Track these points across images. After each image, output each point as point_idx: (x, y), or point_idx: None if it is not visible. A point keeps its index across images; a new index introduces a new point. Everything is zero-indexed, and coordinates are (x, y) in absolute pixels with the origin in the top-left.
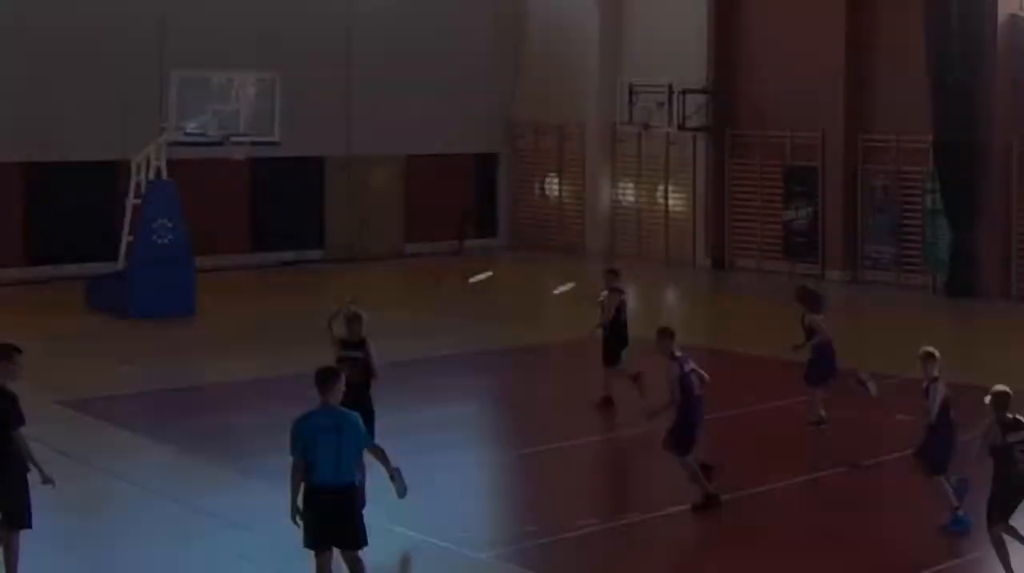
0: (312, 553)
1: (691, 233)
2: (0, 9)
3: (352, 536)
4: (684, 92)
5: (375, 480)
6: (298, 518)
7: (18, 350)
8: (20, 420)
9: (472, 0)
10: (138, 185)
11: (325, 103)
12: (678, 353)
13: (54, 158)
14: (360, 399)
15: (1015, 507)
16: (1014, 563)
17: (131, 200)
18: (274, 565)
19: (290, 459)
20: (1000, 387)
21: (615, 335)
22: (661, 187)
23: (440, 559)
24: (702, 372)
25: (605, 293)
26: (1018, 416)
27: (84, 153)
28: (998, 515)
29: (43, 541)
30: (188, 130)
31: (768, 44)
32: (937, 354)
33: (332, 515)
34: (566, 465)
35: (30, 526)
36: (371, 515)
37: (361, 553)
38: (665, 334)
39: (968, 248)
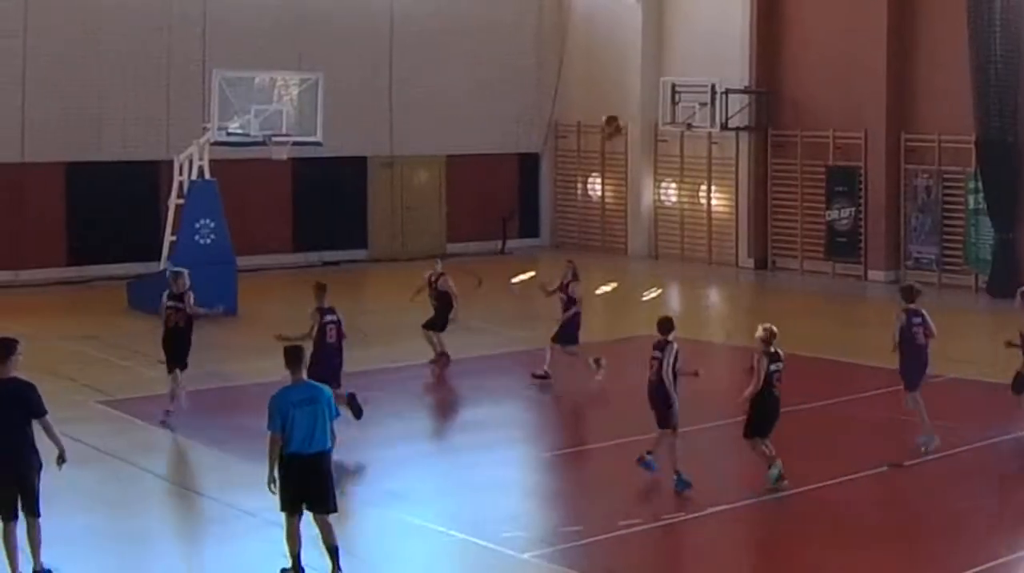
0: (285, 515)
1: (733, 233)
2: (44, 11)
3: (324, 500)
4: (727, 92)
5: (423, 484)
6: (273, 487)
7: (16, 342)
8: (44, 409)
9: (515, 0)
10: (180, 185)
11: (367, 103)
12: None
13: (96, 158)
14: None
15: (772, 426)
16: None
17: (173, 200)
18: (315, 564)
19: None
20: (767, 325)
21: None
22: (703, 187)
23: (482, 559)
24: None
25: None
26: (779, 350)
27: (126, 153)
28: (756, 433)
29: (83, 540)
30: (230, 130)
31: (811, 44)
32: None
33: (307, 480)
34: (608, 465)
35: (38, 513)
36: (414, 515)
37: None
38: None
39: (1010, 248)
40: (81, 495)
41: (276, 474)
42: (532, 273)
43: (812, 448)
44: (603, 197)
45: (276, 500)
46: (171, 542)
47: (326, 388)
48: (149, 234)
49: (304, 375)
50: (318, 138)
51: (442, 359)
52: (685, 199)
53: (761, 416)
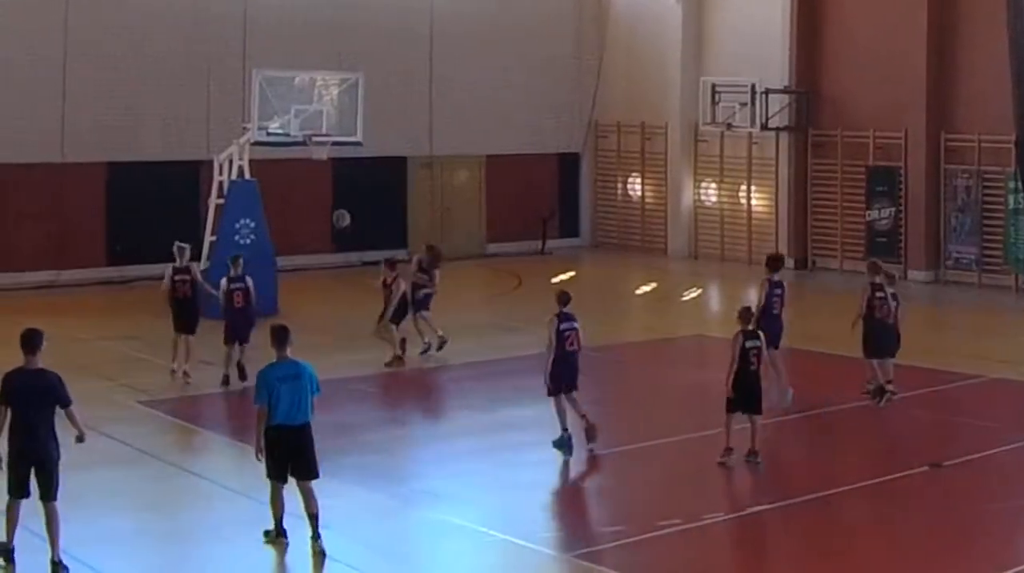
0: (271, 482)
1: (773, 233)
2: (84, 11)
3: (308, 467)
4: (767, 92)
5: (463, 484)
6: (260, 456)
7: (42, 333)
8: (69, 399)
9: (555, 0)
10: (221, 185)
11: (407, 103)
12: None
13: (137, 158)
14: None
15: (753, 400)
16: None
17: (213, 200)
18: (357, 564)
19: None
20: (743, 306)
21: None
22: (743, 187)
23: (522, 559)
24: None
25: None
26: (756, 329)
27: (167, 153)
28: (733, 407)
29: (124, 540)
30: (271, 130)
31: (851, 43)
32: None
33: (291, 450)
34: (648, 465)
35: (55, 497)
36: (455, 516)
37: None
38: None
39: None
40: (123, 495)
41: (262, 444)
42: (572, 273)
43: (851, 448)
44: (643, 197)
45: (262, 466)
46: (213, 542)
47: (308, 365)
48: (189, 234)
49: (288, 353)
50: (358, 138)
51: (397, 362)
52: (725, 199)
53: (740, 392)
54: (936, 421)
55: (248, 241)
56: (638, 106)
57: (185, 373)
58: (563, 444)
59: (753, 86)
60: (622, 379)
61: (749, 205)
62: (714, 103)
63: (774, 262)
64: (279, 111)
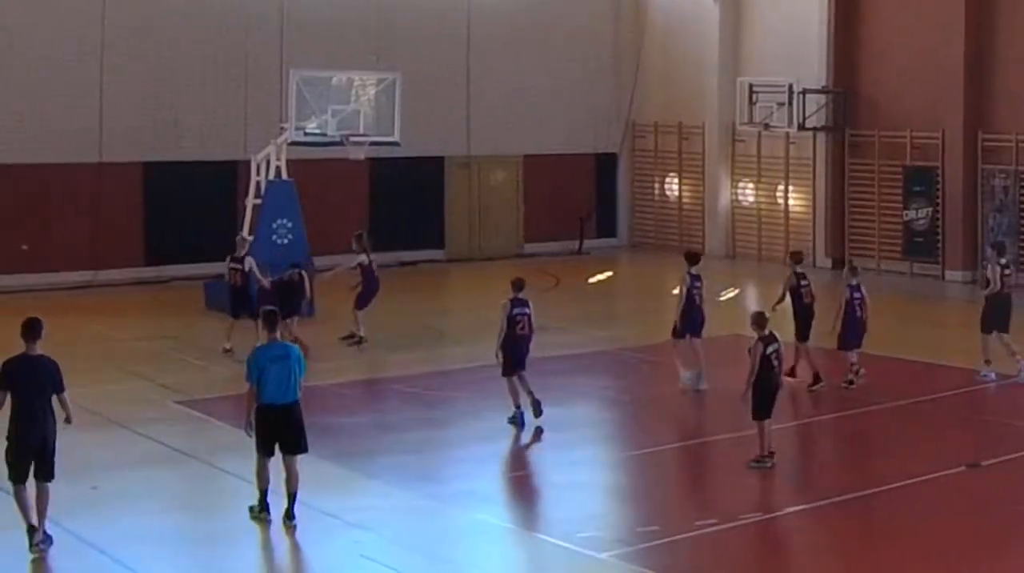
0: (258, 457)
1: (811, 233)
2: (121, 11)
3: (296, 442)
4: (804, 92)
5: (502, 484)
6: (249, 431)
7: (41, 321)
8: (63, 386)
9: (593, 0)
10: (258, 185)
11: (445, 103)
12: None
13: (174, 158)
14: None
15: (773, 403)
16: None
17: (251, 200)
18: (396, 565)
19: None
20: (758, 310)
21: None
22: (781, 187)
23: (560, 559)
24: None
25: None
26: (773, 331)
27: (204, 153)
28: (763, 413)
29: (163, 540)
30: (308, 130)
31: (888, 44)
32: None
33: (280, 426)
34: (685, 465)
35: (53, 477)
36: (493, 516)
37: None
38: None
39: None
40: (160, 496)
41: (252, 420)
42: (610, 272)
43: (890, 448)
44: (680, 197)
45: (252, 441)
46: (251, 543)
47: (295, 347)
48: (226, 234)
49: (278, 336)
50: (395, 138)
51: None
52: (762, 199)
53: (764, 397)
54: (974, 421)
55: (285, 241)
56: (675, 106)
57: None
58: (515, 420)
59: (790, 86)
60: (659, 379)
61: (786, 205)
62: (751, 103)
63: (692, 257)
64: (316, 111)
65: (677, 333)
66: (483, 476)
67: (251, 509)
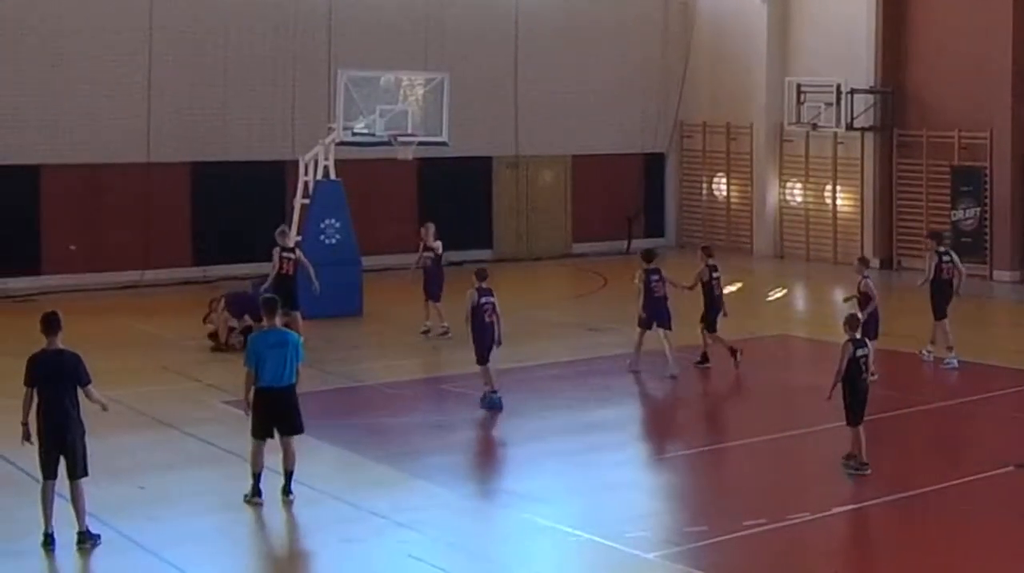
0: (254, 440)
1: (859, 233)
2: (169, 12)
3: (292, 423)
4: (852, 92)
5: (549, 484)
6: (248, 411)
7: (59, 315)
8: (89, 378)
9: (641, 0)
10: (306, 185)
11: (493, 103)
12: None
13: (222, 158)
14: None
15: (863, 408)
16: None
17: (299, 200)
18: (444, 565)
19: None
20: (851, 312)
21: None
22: (829, 187)
23: (608, 559)
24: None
25: None
26: (863, 336)
27: (252, 153)
28: (856, 418)
29: (210, 539)
30: (356, 130)
31: (936, 43)
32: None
33: (277, 408)
34: (733, 464)
35: (87, 474)
36: (540, 516)
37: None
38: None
39: None
40: (208, 495)
41: (250, 401)
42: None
43: (938, 448)
44: (728, 197)
45: (248, 423)
46: (297, 543)
47: (293, 334)
48: (274, 234)
49: (277, 323)
50: (443, 138)
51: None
52: (810, 199)
53: (854, 402)
54: (1021, 421)
55: (333, 241)
56: (723, 106)
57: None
58: (494, 404)
59: (838, 86)
60: (707, 379)
61: (834, 205)
62: (799, 103)
63: (647, 255)
64: (364, 111)
65: (643, 324)
66: (530, 476)
67: (245, 496)
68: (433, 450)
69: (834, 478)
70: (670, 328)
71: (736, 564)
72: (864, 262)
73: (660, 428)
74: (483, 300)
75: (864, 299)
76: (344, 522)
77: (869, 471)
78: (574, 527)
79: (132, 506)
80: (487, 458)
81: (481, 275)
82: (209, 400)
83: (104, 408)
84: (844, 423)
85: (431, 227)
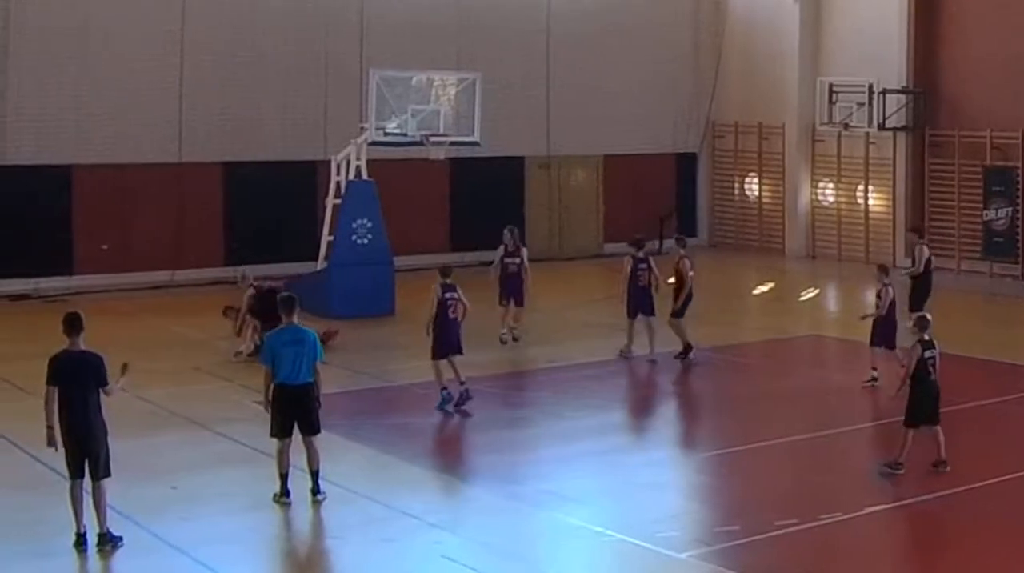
0: (276, 441)
1: (891, 233)
2: (201, 12)
3: (309, 423)
4: (884, 92)
5: (581, 484)
6: (267, 407)
7: (82, 316)
8: (107, 381)
9: (673, 0)
10: (338, 185)
11: (525, 103)
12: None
13: (254, 158)
14: None
15: (929, 409)
16: None
17: (331, 200)
18: (477, 565)
19: None
20: (920, 313)
21: None
22: (861, 187)
23: (640, 559)
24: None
25: None
26: (932, 337)
27: (284, 153)
28: (915, 419)
29: (241, 539)
30: (388, 130)
31: (969, 43)
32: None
33: (294, 406)
34: (765, 464)
35: (109, 474)
36: (573, 516)
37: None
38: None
39: None
40: (240, 495)
41: (270, 397)
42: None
43: (971, 448)
44: (760, 197)
45: (268, 422)
46: (329, 543)
47: (311, 332)
48: (306, 234)
49: (295, 321)
50: (475, 138)
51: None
52: (842, 199)
53: (921, 402)
54: None
55: (365, 241)
56: (755, 106)
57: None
58: (446, 401)
59: (870, 86)
60: (739, 378)
61: (866, 205)
62: (831, 103)
63: (637, 242)
64: (396, 111)
65: (631, 313)
66: (563, 476)
67: (274, 495)
68: (465, 450)
69: (866, 478)
70: (655, 315)
71: (768, 564)
72: (884, 270)
73: (691, 428)
74: (447, 295)
75: (889, 307)
76: (376, 522)
77: (903, 471)
78: (606, 527)
79: (165, 506)
80: (519, 458)
81: (445, 272)
82: (241, 400)
83: (123, 389)
84: (873, 422)
85: (514, 231)
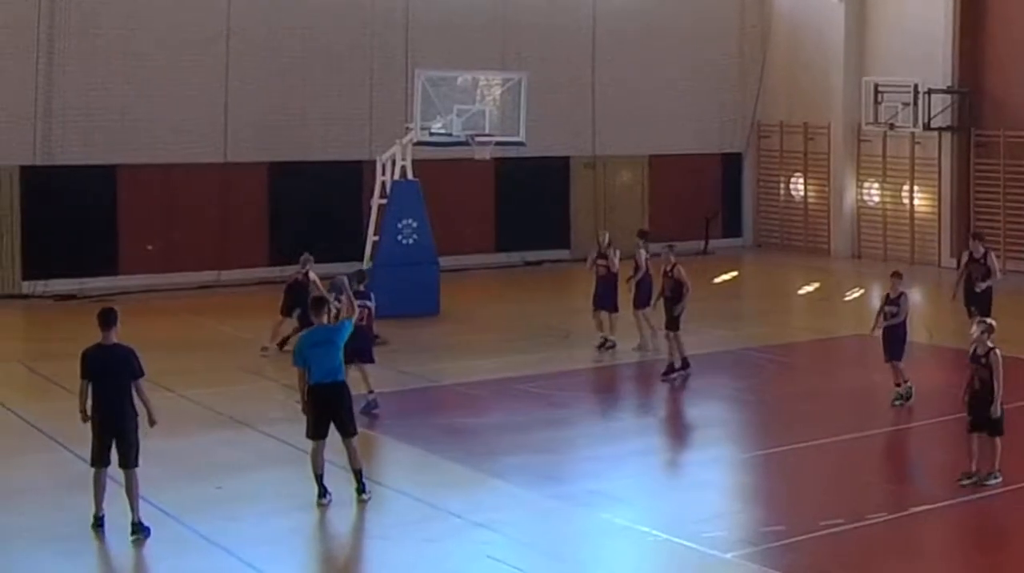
0: (312, 442)
1: (936, 233)
2: (246, 13)
3: (345, 423)
4: (929, 92)
5: (626, 484)
6: (303, 407)
7: (116, 311)
8: (142, 372)
9: (718, 0)
10: (383, 185)
11: (570, 103)
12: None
13: (299, 158)
14: None
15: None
16: None
17: (376, 200)
18: (522, 565)
19: None
20: (985, 319)
21: None
22: (906, 187)
23: (685, 559)
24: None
25: None
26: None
27: (329, 153)
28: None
29: (286, 540)
30: (433, 130)
31: (1014, 43)
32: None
33: (329, 406)
34: (810, 464)
35: (138, 464)
36: (618, 516)
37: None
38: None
39: None
40: (285, 495)
41: (306, 397)
42: (735, 272)
43: (1018, 448)
44: (806, 197)
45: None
46: (374, 543)
47: (340, 332)
48: (351, 234)
49: (325, 321)
50: (521, 138)
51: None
52: (888, 199)
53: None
54: None
55: (411, 241)
56: (801, 106)
57: (606, 341)
58: (369, 406)
59: (916, 86)
60: (784, 379)
61: (912, 205)
62: (877, 103)
63: (644, 234)
64: (442, 111)
65: (639, 304)
66: (608, 476)
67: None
68: (510, 450)
69: (912, 478)
70: (650, 306)
71: (813, 564)
72: (899, 276)
73: (736, 428)
74: (358, 303)
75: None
76: (421, 522)
77: (964, 481)
78: (651, 527)
79: (210, 506)
80: (563, 458)
81: (359, 277)
82: (285, 400)
83: (150, 419)
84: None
85: (607, 235)
